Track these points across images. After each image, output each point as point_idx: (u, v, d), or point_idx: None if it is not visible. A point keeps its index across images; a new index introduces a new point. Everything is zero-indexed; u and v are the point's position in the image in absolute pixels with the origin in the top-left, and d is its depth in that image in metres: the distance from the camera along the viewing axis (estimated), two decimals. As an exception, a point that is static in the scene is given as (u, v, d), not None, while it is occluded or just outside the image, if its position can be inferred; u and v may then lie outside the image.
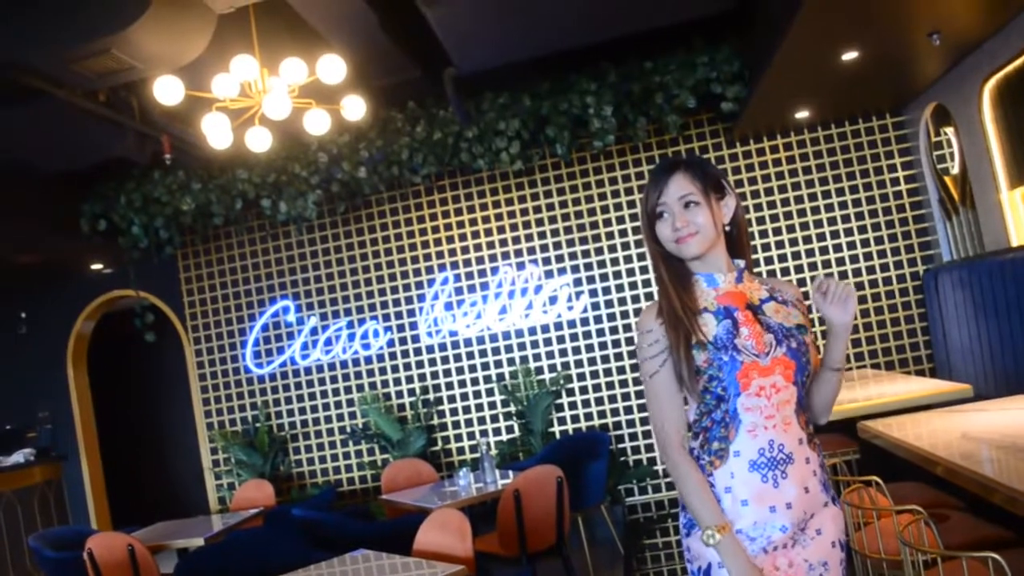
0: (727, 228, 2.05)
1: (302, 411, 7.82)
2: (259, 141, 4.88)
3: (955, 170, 6.33)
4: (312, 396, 7.81)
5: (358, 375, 7.73)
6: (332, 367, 7.78)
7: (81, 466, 8.28)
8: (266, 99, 4.47)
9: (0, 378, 8.49)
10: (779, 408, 1.93)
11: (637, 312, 7.28)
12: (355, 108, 5.00)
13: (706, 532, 1.87)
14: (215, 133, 4.68)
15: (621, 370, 7.33)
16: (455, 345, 7.59)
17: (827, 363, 2.04)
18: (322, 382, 7.79)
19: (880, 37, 5.03)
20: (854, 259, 7.02)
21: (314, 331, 7.81)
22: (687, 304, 1.96)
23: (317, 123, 4.88)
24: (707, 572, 1.92)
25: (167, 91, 4.25)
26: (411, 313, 7.66)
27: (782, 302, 2.04)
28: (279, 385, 7.86)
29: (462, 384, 7.57)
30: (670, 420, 1.97)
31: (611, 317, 7.37)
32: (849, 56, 5.26)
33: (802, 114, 6.68)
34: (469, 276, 7.57)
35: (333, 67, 4.42)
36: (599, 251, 7.38)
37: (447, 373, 7.60)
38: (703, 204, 1.97)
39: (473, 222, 7.57)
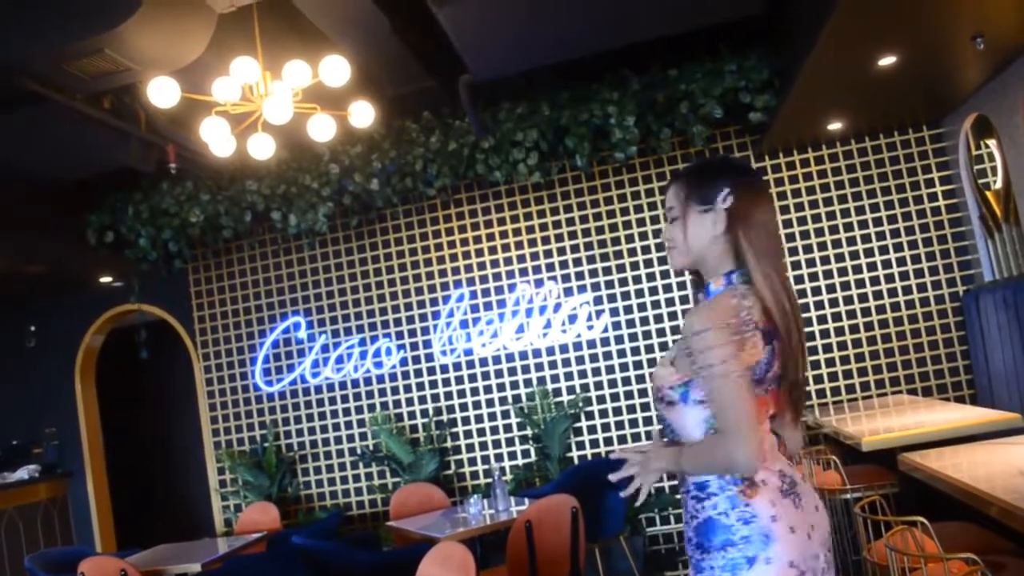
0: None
1: (311, 431, 7.56)
2: (262, 148, 4.65)
3: (998, 184, 6.00)
4: (322, 416, 7.56)
5: (369, 394, 7.46)
6: (343, 386, 7.52)
7: (87, 484, 8.08)
8: (266, 103, 4.24)
9: (7, 392, 8.33)
10: None
11: (660, 332, 6.97)
12: (363, 114, 4.75)
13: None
14: (215, 139, 4.46)
15: (643, 393, 7.00)
16: (470, 365, 7.31)
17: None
18: (332, 401, 7.54)
19: (920, 40, 4.73)
20: (889, 279, 6.66)
21: (325, 348, 7.56)
22: None
23: (322, 129, 4.64)
24: None
25: (162, 92, 4.04)
26: (425, 331, 7.40)
27: None
28: (288, 404, 7.62)
29: (477, 406, 7.28)
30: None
31: (633, 337, 7.05)
32: (886, 61, 4.96)
33: (835, 126, 6.36)
34: (485, 293, 7.30)
35: (337, 69, 4.19)
36: (620, 268, 7.09)
37: (461, 394, 7.31)
38: (680, 219, 1.96)
39: (490, 237, 7.31)
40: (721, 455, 1.76)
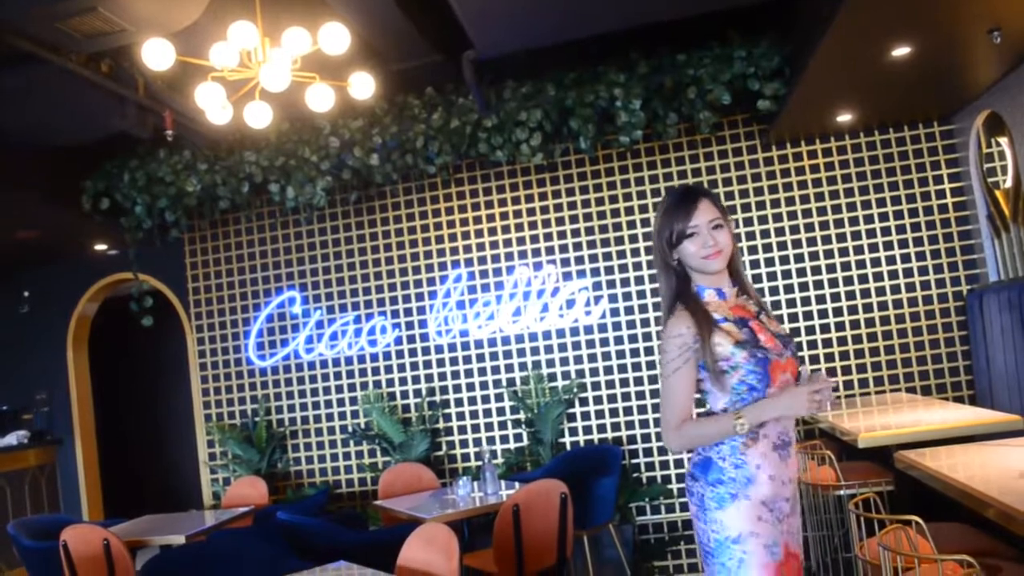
0: None
1: (303, 407, 7.50)
2: (259, 116, 4.56)
3: (1007, 184, 5.90)
4: (314, 392, 7.49)
5: (363, 372, 7.39)
6: (336, 363, 7.45)
7: (76, 451, 8.03)
8: (264, 69, 4.14)
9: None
10: None
11: (658, 320, 6.89)
12: (363, 86, 4.65)
13: (737, 424, 2.16)
14: (211, 105, 4.36)
15: (639, 380, 6.93)
16: (465, 346, 7.24)
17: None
18: (325, 378, 7.47)
19: (936, 31, 4.62)
20: (893, 275, 6.58)
21: (320, 324, 7.49)
22: (706, 311, 2.31)
23: (321, 99, 4.53)
24: (736, 540, 2.18)
25: (156, 55, 3.93)
26: (421, 310, 7.32)
27: (769, 317, 2.38)
28: (281, 379, 7.55)
29: (470, 387, 7.21)
30: (682, 409, 2.23)
31: (631, 324, 6.97)
32: (900, 52, 4.85)
33: (844, 117, 6.26)
34: (483, 274, 7.22)
35: (336, 36, 4.09)
36: (621, 254, 7.00)
37: (455, 375, 7.24)
38: (724, 227, 2.32)
39: (490, 218, 7.22)
40: None
